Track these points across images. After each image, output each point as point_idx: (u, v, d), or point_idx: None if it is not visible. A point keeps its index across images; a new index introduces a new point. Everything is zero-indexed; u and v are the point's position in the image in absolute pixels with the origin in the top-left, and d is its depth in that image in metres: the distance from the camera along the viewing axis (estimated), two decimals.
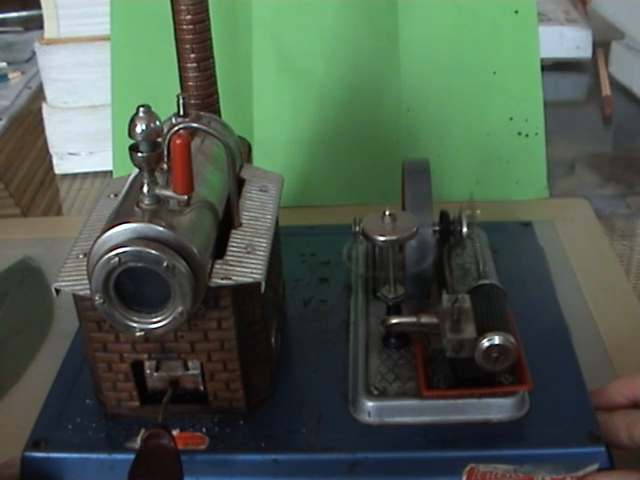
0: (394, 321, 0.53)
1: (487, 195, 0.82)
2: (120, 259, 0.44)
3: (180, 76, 0.57)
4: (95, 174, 0.94)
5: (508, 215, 0.77)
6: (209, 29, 0.55)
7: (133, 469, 0.45)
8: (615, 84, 1.10)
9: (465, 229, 0.57)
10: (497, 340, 0.48)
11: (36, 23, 1.15)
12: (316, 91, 0.82)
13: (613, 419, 0.51)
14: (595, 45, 1.15)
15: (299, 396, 0.54)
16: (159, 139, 0.45)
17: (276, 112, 0.83)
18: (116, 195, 0.53)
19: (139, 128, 0.44)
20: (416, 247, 0.55)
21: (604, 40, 1.15)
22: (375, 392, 0.52)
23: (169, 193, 0.45)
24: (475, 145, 0.83)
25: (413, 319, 0.52)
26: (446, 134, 0.83)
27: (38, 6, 0.91)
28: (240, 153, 0.57)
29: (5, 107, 1.11)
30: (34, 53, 1.08)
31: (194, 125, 0.51)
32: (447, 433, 0.50)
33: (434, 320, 0.51)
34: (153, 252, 0.43)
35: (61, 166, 0.95)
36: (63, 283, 0.48)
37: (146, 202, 0.45)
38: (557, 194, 0.85)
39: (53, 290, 0.48)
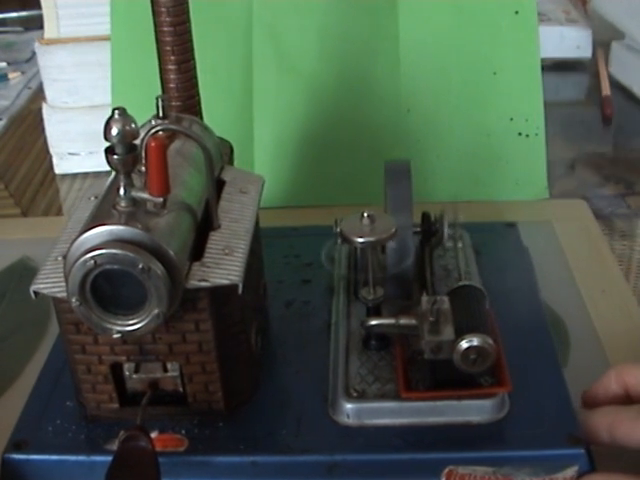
0: (373, 322, 0.53)
1: (487, 195, 0.82)
2: (96, 261, 0.44)
3: (161, 78, 0.57)
4: (95, 174, 0.94)
5: (507, 215, 0.76)
6: (190, 31, 0.55)
7: (110, 471, 0.45)
8: (615, 84, 1.09)
9: (446, 230, 0.57)
10: (475, 342, 0.48)
11: (36, 23, 1.15)
12: (316, 91, 0.82)
13: (594, 418, 0.50)
14: (595, 45, 1.14)
15: (280, 397, 0.54)
16: (135, 141, 0.45)
17: (276, 112, 0.83)
18: (96, 197, 0.53)
19: (114, 130, 0.44)
20: (396, 248, 0.55)
21: (604, 40, 1.14)
22: (354, 394, 0.51)
23: (145, 195, 0.45)
24: (475, 145, 0.83)
25: (392, 320, 0.52)
26: (446, 134, 0.83)
27: (38, 6, 0.91)
28: (221, 155, 0.57)
29: (5, 107, 1.12)
30: (34, 53, 1.08)
31: (172, 127, 0.51)
32: (426, 435, 0.50)
33: (413, 322, 0.51)
34: (128, 254, 0.43)
35: (61, 166, 0.95)
36: (42, 285, 0.48)
37: (123, 204, 0.45)
38: (557, 194, 0.84)
39: (31, 292, 0.48)
